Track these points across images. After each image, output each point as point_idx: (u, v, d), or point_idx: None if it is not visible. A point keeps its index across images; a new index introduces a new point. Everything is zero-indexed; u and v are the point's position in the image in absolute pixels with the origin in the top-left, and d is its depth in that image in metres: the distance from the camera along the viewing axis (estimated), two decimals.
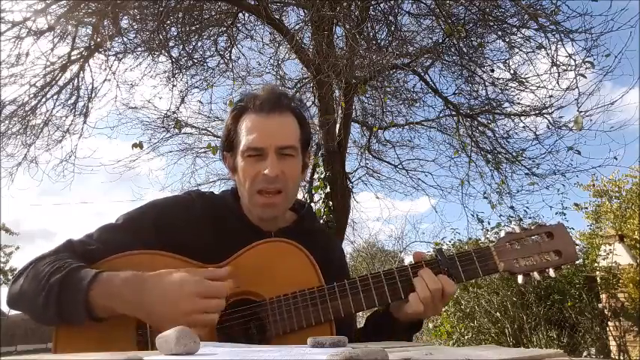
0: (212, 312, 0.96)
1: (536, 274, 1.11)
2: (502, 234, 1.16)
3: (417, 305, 1.06)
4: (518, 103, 5.84)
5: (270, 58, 5.99)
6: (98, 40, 5.10)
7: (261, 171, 1.13)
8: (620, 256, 6.21)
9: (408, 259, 1.15)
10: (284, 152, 1.15)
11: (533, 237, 1.13)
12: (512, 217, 6.13)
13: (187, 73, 5.69)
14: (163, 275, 0.98)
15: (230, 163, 1.23)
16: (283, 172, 1.14)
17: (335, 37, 5.41)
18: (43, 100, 5.29)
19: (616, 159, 5.17)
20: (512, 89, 5.79)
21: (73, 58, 5.25)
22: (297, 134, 1.19)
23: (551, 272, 1.11)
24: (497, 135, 6.09)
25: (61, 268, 0.99)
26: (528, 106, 5.69)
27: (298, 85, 6.19)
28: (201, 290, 0.96)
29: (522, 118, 5.81)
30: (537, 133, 5.70)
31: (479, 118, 6.13)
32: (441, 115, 6.47)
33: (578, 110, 4.42)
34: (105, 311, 0.97)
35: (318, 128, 5.16)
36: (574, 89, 4.43)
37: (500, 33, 5.40)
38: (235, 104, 1.24)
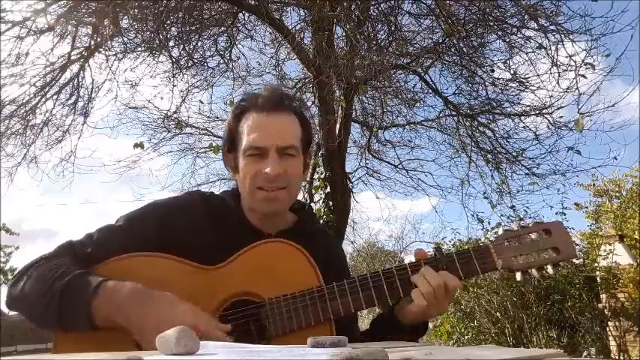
0: None
1: (534, 272, 1.11)
2: (500, 232, 1.16)
3: (419, 300, 1.06)
4: (519, 104, 5.86)
5: (271, 58, 6.01)
6: (98, 40, 5.10)
7: (262, 170, 1.13)
8: (620, 256, 6.20)
9: (408, 259, 1.15)
10: (285, 152, 1.15)
11: (531, 234, 1.13)
12: (512, 217, 6.12)
13: (187, 73, 5.69)
14: (167, 300, 0.96)
15: (231, 162, 1.22)
16: (286, 170, 1.14)
17: (335, 37, 5.41)
18: (43, 100, 5.29)
19: (616, 159, 5.17)
20: (513, 89, 5.80)
21: (73, 58, 5.25)
22: (298, 134, 1.19)
23: (550, 269, 1.11)
24: (497, 135, 6.09)
25: (64, 274, 0.98)
26: (528, 106, 5.69)
27: (299, 85, 6.19)
28: (197, 327, 0.88)
29: (522, 118, 5.81)
30: (537, 133, 5.71)
31: (479, 118, 6.13)
32: (441, 115, 6.47)
33: (578, 112, 4.42)
34: (105, 321, 0.96)
35: (318, 128, 5.16)
36: (574, 90, 4.43)
37: (500, 33, 5.39)
38: (237, 104, 1.24)
